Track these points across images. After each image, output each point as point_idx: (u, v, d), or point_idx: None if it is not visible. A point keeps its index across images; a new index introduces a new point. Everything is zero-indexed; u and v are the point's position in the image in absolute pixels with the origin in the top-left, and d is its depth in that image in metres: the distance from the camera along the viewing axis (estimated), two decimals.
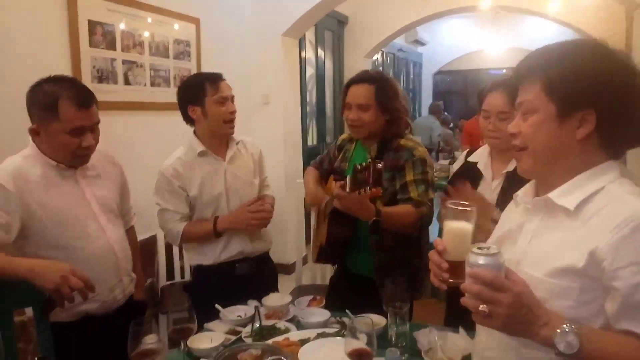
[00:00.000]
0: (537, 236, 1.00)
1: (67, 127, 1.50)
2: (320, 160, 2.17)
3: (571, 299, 0.90)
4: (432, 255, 1.03)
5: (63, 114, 1.49)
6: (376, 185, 1.54)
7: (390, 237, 1.83)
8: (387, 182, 1.83)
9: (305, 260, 2.94)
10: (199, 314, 1.43)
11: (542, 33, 7.56)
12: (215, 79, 1.94)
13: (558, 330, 0.83)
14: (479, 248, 0.89)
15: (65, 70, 2.39)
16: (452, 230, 1.02)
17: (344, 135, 2.12)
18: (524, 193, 1.09)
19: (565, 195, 0.95)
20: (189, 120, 1.99)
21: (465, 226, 1.00)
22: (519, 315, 0.84)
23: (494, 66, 9.49)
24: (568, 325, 0.83)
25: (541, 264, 0.94)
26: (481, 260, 0.86)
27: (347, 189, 1.59)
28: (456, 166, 2.01)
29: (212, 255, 1.99)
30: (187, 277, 2.82)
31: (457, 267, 0.97)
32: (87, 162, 1.63)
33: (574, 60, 0.92)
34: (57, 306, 1.40)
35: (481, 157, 1.85)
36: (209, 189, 1.96)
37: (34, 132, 1.55)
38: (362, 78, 1.88)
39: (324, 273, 2.80)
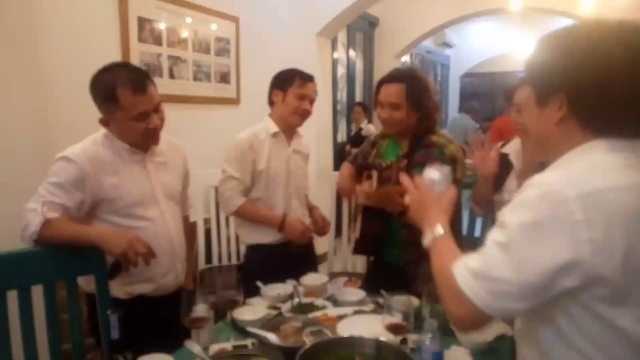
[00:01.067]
0: None
1: (131, 114, 1.55)
2: (355, 157, 2.24)
3: None
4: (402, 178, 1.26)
5: (123, 102, 1.53)
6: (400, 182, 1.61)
7: (421, 232, 1.90)
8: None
9: (335, 251, 3.04)
10: (244, 291, 1.55)
11: None
12: (305, 77, 2.11)
13: (429, 230, 1.11)
14: (436, 166, 1.23)
15: None
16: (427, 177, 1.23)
17: (377, 132, 2.21)
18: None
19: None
20: (270, 102, 2.17)
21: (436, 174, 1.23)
22: (418, 209, 1.19)
23: (520, 69, 9.40)
24: (439, 228, 1.09)
25: None
26: (426, 172, 1.23)
27: (374, 185, 1.75)
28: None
29: (273, 235, 2.14)
30: (225, 262, 2.95)
31: None
32: (157, 142, 1.70)
33: (545, 48, 0.96)
34: (122, 270, 1.52)
35: (513, 149, 1.92)
36: (274, 167, 2.12)
37: (104, 123, 1.61)
38: (394, 77, 1.93)
39: (355, 263, 2.89)
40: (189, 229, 2.00)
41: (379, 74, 6.45)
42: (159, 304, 1.69)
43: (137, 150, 1.66)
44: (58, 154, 1.58)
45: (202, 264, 2.90)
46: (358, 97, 6.04)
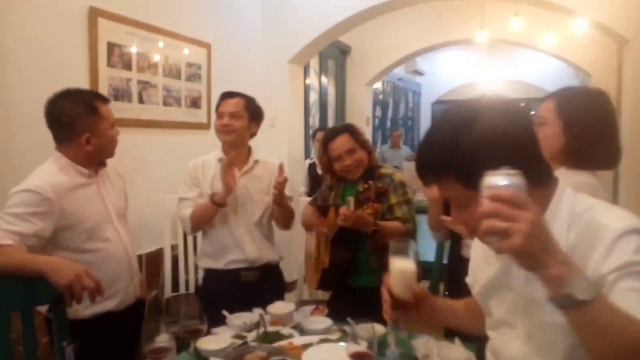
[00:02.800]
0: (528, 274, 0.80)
1: (109, 122, 1.73)
2: (314, 199, 2.45)
3: None
4: (383, 292, 1.15)
5: (103, 112, 1.71)
6: (377, 201, 2.02)
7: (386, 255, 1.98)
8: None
9: (305, 279, 3.03)
10: (207, 320, 1.53)
11: (537, 65, 7.81)
12: (222, 95, 2.21)
13: (575, 274, 0.74)
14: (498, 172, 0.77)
15: (84, 87, 2.50)
16: (396, 269, 1.15)
17: (329, 180, 2.40)
18: None
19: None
20: None
21: (407, 264, 1.13)
22: (540, 237, 0.72)
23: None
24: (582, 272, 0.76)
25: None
26: (500, 181, 0.75)
27: (352, 208, 1.94)
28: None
29: (221, 260, 2.17)
30: (192, 289, 2.90)
31: (401, 304, 1.11)
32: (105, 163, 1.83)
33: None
34: (64, 304, 1.47)
35: None
36: (218, 189, 2.12)
37: (86, 142, 1.69)
38: (336, 131, 2.23)
39: (324, 292, 2.87)
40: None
41: (350, 100, 6.57)
42: (123, 316, 1.76)
43: (91, 173, 1.74)
44: (16, 188, 1.57)
45: (168, 292, 2.84)
46: (330, 122, 6.11)
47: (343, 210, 1.97)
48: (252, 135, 2.25)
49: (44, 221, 1.54)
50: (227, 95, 2.19)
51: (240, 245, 2.16)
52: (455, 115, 0.95)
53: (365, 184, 2.15)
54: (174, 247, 2.92)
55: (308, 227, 2.41)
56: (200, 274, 2.92)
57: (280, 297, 2.22)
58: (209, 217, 2.14)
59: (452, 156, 0.89)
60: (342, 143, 2.17)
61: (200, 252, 2.31)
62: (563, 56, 6.17)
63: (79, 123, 1.66)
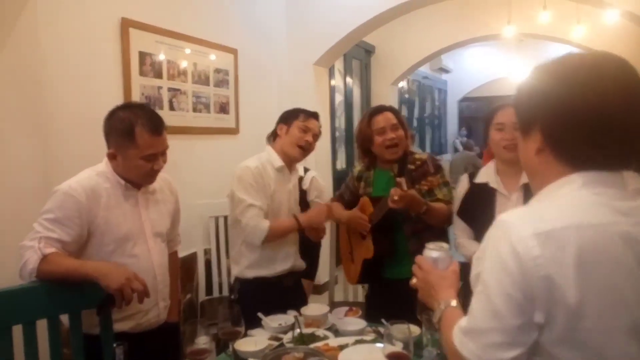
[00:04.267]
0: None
1: (142, 153, 1.61)
2: (341, 194, 2.40)
3: None
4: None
5: (139, 140, 1.60)
6: (435, 174, 2.07)
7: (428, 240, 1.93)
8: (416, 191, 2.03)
9: (336, 281, 3.02)
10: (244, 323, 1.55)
11: None
12: (309, 113, 2.21)
13: (436, 307, 1.11)
14: (435, 245, 1.25)
15: (117, 96, 2.59)
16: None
17: (358, 167, 2.36)
18: None
19: None
20: (274, 136, 2.24)
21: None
22: (425, 288, 1.19)
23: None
24: (444, 303, 1.08)
25: None
26: (426, 252, 1.25)
27: (405, 187, 1.85)
28: (461, 190, 2.05)
29: (271, 269, 2.17)
30: (225, 292, 2.93)
31: None
32: (153, 181, 1.75)
33: (528, 81, 0.96)
34: (114, 306, 1.51)
35: (488, 175, 1.94)
36: (278, 199, 2.16)
37: (111, 157, 1.66)
38: (382, 107, 2.22)
39: (355, 292, 2.87)
40: (176, 263, 2.04)
41: (376, 100, 6.53)
42: (140, 341, 1.67)
43: (132, 186, 1.71)
44: (55, 187, 1.60)
45: (202, 296, 2.88)
46: (356, 124, 6.09)
47: (395, 191, 1.87)
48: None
49: (79, 225, 1.57)
50: (312, 116, 2.22)
51: (289, 254, 2.22)
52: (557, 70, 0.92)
53: (400, 171, 2.10)
54: (206, 252, 2.97)
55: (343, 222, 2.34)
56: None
57: (304, 302, 2.23)
58: (287, 235, 2.18)
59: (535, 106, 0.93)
60: (388, 117, 2.16)
61: (245, 261, 2.21)
62: (594, 48, 6.00)
63: (111, 137, 1.65)
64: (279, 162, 2.17)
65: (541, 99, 0.91)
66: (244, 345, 1.59)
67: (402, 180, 1.87)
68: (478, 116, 10.87)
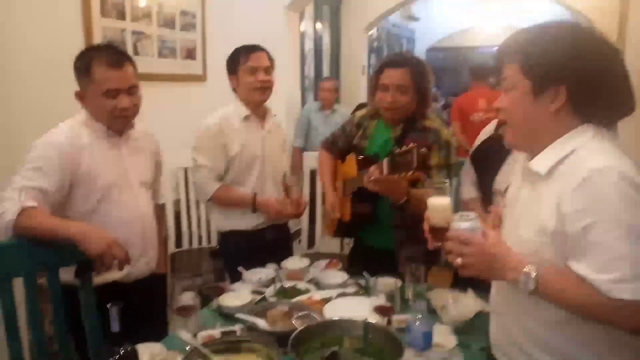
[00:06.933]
0: (528, 201, 1.10)
1: (101, 88, 1.54)
2: (334, 140, 2.16)
3: (548, 254, 1.02)
4: (424, 225, 1.23)
5: (96, 74, 1.53)
6: (419, 169, 1.55)
7: (412, 215, 1.76)
8: None
9: (307, 233, 3.04)
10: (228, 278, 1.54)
11: (536, 11, 7.60)
12: (249, 48, 2.04)
13: (521, 275, 1.00)
14: (460, 216, 1.10)
15: (78, 39, 2.40)
16: (434, 203, 1.22)
17: (362, 112, 2.09)
18: (524, 161, 1.16)
19: (540, 162, 1.05)
20: (233, 89, 2.11)
21: (444, 199, 1.22)
22: (485, 262, 1.03)
23: (486, 44, 9.53)
24: (529, 268, 1.00)
25: (529, 226, 1.06)
26: (456, 225, 1.09)
27: (385, 171, 1.61)
28: (485, 133, 2.02)
29: (249, 221, 2.09)
30: (195, 245, 2.90)
31: (439, 232, 1.17)
32: (131, 126, 1.69)
33: (549, 40, 1.02)
34: (92, 271, 1.47)
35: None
36: (248, 151, 2.06)
37: (79, 96, 1.60)
38: (399, 61, 1.88)
39: (329, 244, 2.89)
40: (159, 215, 1.98)
41: (346, 48, 6.38)
42: (132, 290, 1.66)
43: (113, 133, 1.65)
44: (36, 140, 1.53)
45: (172, 248, 2.84)
46: (325, 72, 5.97)
47: (374, 171, 1.65)
48: None
49: (62, 173, 1.50)
50: (252, 50, 2.05)
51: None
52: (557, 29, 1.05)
53: (404, 145, 1.63)
54: (176, 203, 2.90)
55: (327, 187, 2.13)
56: (205, 229, 2.93)
57: (289, 251, 2.24)
58: (237, 207, 2.09)
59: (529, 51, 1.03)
60: (398, 76, 1.84)
61: (219, 214, 2.17)
62: (564, 2, 6.00)
63: (76, 77, 1.59)
64: (244, 111, 2.07)
65: (568, 61, 0.99)
66: (227, 300, 1.58)
67: (384, 163, 1.62)
68: (446, 67, 10.86)
